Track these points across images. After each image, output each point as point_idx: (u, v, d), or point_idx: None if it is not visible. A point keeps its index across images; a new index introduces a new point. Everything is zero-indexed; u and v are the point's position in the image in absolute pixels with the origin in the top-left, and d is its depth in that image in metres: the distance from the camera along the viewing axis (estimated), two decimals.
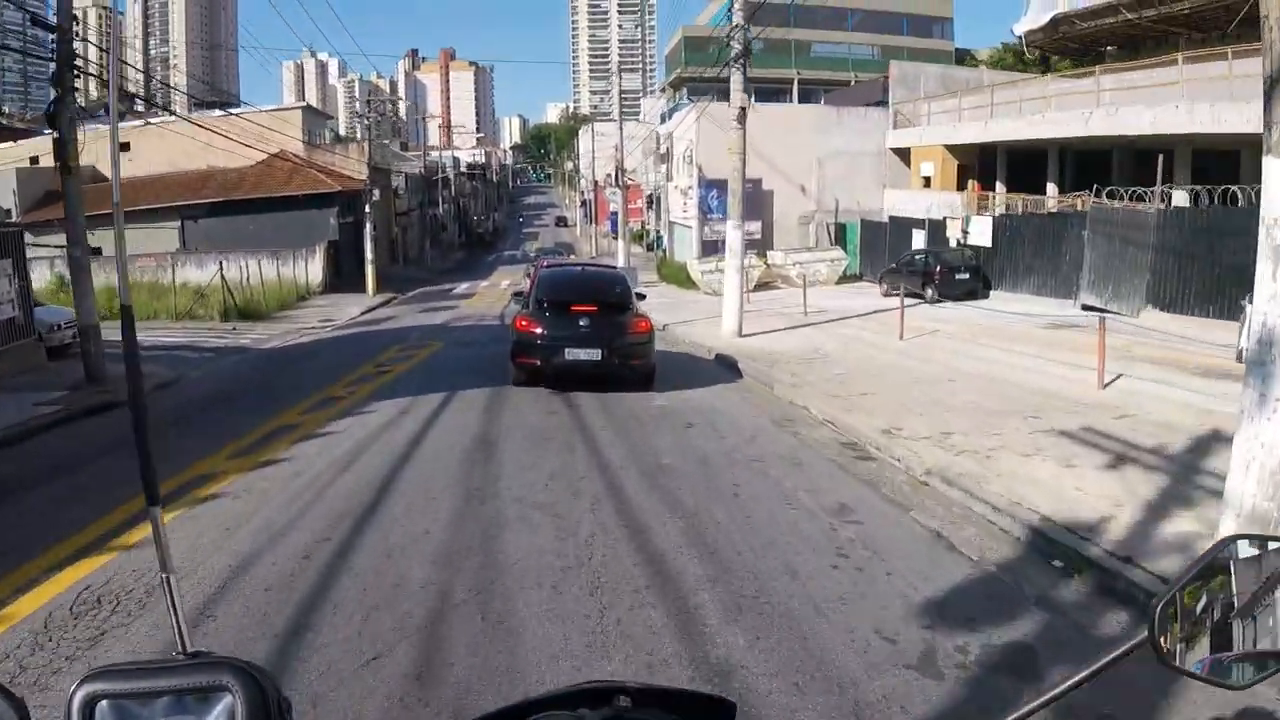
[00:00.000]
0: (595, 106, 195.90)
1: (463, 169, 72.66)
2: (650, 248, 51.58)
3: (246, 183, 39.18)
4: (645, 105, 70.79)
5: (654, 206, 55.08)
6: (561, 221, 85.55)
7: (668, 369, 14.31)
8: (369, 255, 34.45)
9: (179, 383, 14.75)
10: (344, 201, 38.54)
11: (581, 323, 11.39)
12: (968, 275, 23.07)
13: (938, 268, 23.05)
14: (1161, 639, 0.80)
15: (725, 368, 14.56)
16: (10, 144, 47.99)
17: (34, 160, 44.45)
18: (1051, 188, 27.93)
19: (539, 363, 11.46)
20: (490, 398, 11.48)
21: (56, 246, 38.33)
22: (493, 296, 33.98)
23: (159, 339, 20.55)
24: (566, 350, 11.24)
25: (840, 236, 33.13)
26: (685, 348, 17.55)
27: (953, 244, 25.07)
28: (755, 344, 16.37)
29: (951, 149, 31.03)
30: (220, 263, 26.16)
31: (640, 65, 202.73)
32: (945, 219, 26.74)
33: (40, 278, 30.83)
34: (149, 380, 14.83)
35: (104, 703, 0.63)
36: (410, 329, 22.09)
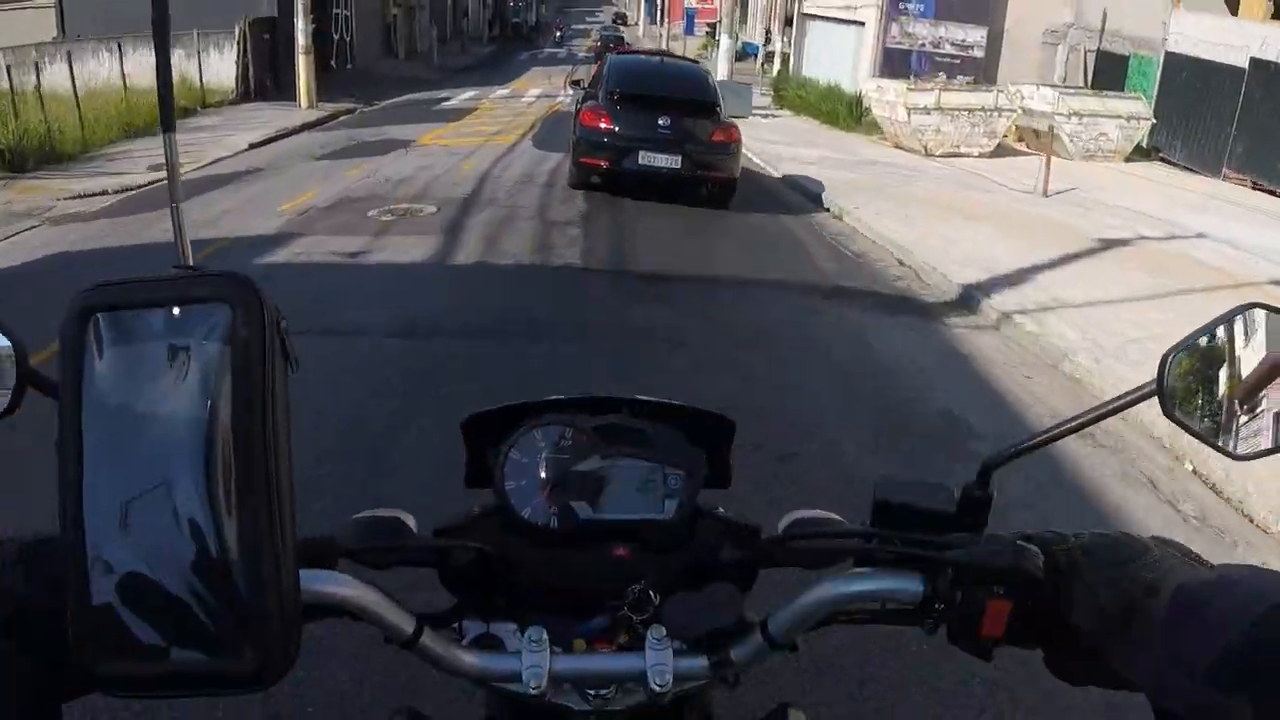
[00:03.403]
0: None
1: None
2: (739, 56, 36.44)
3: None
4: None
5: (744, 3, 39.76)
6: (620, 19, 70.71)
7: None
8: (300, 42, 20.63)
9: None
10: None
11: (660, 122, 9.85)
12: None
13: None
14: (1166, 389, 0.78)
15: None
16: None
17: None
18: None
19: (606, 165, 10.04)
20: None
21: None
22: (505, 118, 19.92)
23: None
24: (641, 153, 9.83)
25: (1113, 78, 18.53)
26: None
27: None
28: None
29: None
30: None
31: None
32: None
33: None
34: None
35: (100, 315, 0.60)
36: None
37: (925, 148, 15.16)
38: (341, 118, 20.44)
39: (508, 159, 13.65)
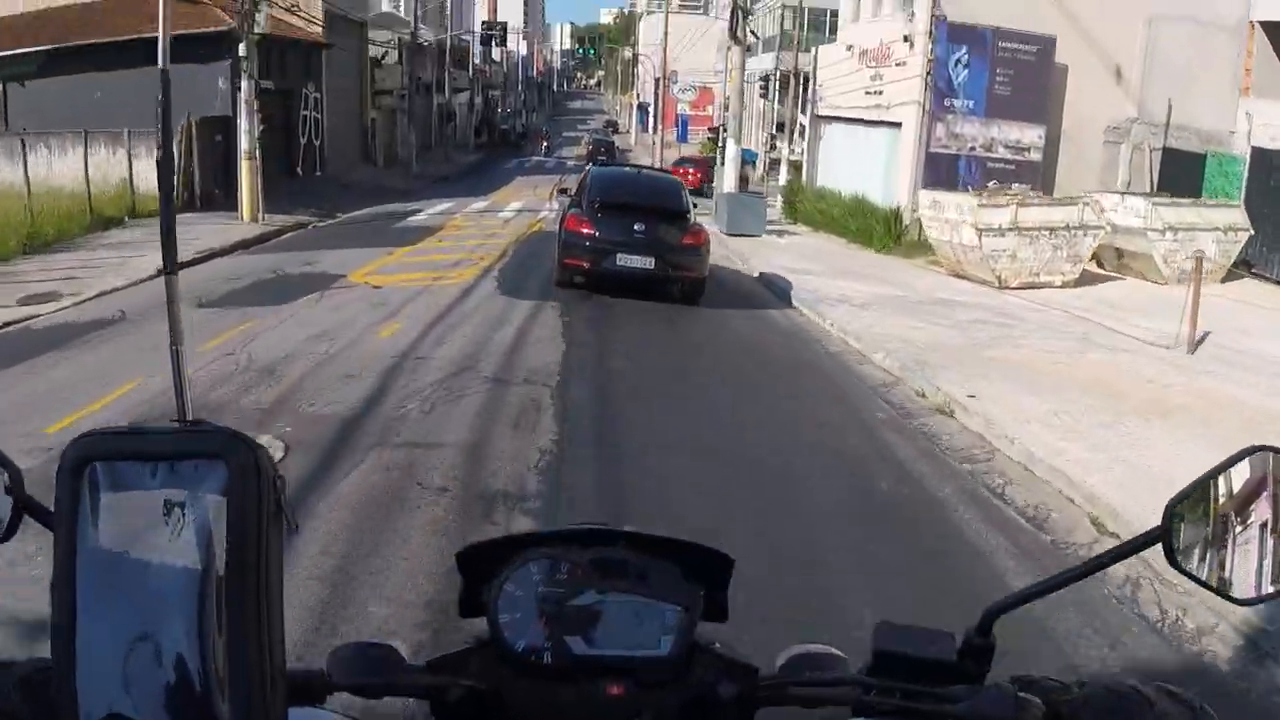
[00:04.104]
0: (652, 13, 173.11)
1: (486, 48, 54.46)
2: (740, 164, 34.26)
3: (93, 23, 23.65)
4: None
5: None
6: (611, 126, 70.26)
7: None
8: (242, 146, 17.94)
9: None
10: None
11: (636, 227, 10.78)
12: None
13: None
14: (1173, 538, 0.78)
15: None
16: None
17: None
18: None
19: (588, 265, 10.94)
20: None
21: None
22: (473, 240, 17.06)
23: None
24: (619, 255, 10.73)
25: (1182, 178, 15.91)
26: None
27: None
28: None
29: None
30: None
31: None
32: None
33: None
34: None
35: (97, 464, 0.61)
36: None
37: (999, 278, 12.24)
38: (286, 235, 17.60)
39: (452, 317, 9.98)
